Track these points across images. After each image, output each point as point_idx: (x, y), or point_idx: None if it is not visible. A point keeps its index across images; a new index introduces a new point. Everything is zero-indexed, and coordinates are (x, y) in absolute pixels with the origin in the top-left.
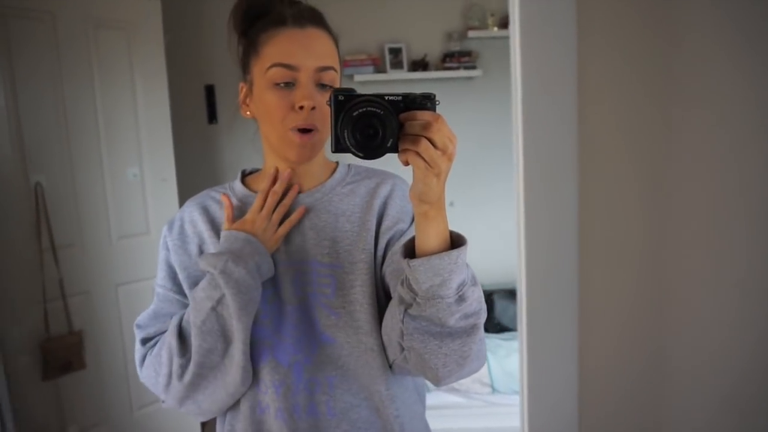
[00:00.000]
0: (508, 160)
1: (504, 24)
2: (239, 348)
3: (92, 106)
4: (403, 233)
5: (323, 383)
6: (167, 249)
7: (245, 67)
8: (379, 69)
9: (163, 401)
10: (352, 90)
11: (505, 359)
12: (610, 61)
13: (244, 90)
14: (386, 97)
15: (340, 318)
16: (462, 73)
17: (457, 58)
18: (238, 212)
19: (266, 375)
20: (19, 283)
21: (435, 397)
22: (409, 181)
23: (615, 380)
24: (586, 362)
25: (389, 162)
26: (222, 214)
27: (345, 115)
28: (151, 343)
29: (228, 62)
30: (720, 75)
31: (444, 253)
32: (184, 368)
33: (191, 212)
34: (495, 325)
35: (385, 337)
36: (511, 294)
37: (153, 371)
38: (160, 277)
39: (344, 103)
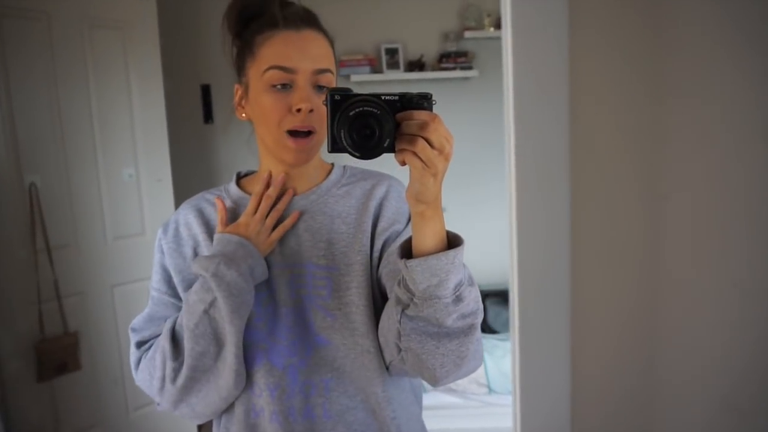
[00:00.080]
0: (504, 160)
1: (500, 24)
2: (232, 351)
3: (87, 106)
4: (399, 234)
5: (319, 386)
6: (162, 252)
7: (240, 69)
8: (376, 69)
9: (158, 404)
10: (348, 89)
11: (502, 360)
12: (603, 60)
13: (240, 92)
14: (383, 97)
15: (336, 320)
16: (458, 73)
17: (453, 58)
18: (233, 214)
19: (261, 378)
20: (13, 284)
21: (432, 398)
22: (406, 181)
23: (608, 381)
24: (579, 364)
25: (386, 162)
26: (217, 217)
27: (341, 115)
28: (146, 346)
29: (224, 62)
30: (714, 74)
31: (441, 253)
32: (177, 371)
33: (186, 215)
34: (487, 327)
35: (381, 339)
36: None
37: (148, 374)
38: (155, 280)
39: (341, 102)
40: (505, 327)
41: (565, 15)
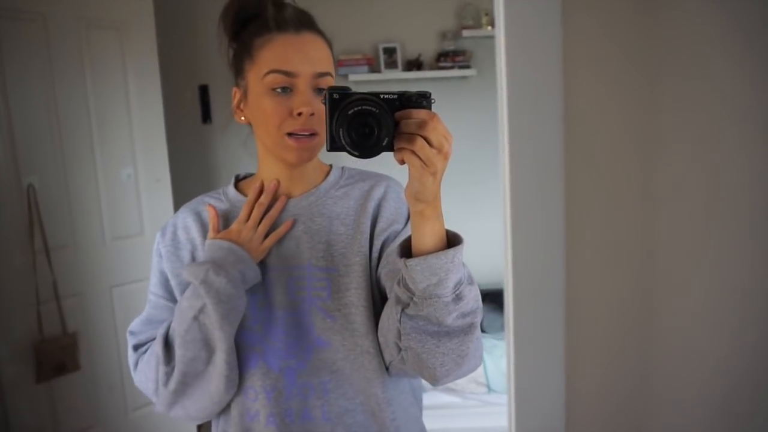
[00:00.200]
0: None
1: None
2: (222, 357)
3: (85, 107)
4: (397, 234)
5: (317, 388)
6: (160, 255)
7: (238, 71)
8: (374, 69)
9: (155, 405)
10: (347, 88)
11: (501, 359)
12: (597, 61)
13: (238, 95)
14: (381, 96)
15: (335, 321)
16: (456, 72)
17: (451, 57)
18: (231, 218)
19: (257, 381)
20: (12, 285)
21: (431, 397)
22: (404, 181)
23: (603, 383)
24: (573, 365)
25: (385, 161)
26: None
27: (340, 114)
28: (143, 349)
29: (221, 63)
30: (711, 71)
31: (440, 252)
32: (169, 376)
33: (185, 218)
34: (481, 329)
35: (381, 339)
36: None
37: (144, 377)
38: (153, 284)
39: (339, 101)
40: (499, 332)
41: (558, 15)
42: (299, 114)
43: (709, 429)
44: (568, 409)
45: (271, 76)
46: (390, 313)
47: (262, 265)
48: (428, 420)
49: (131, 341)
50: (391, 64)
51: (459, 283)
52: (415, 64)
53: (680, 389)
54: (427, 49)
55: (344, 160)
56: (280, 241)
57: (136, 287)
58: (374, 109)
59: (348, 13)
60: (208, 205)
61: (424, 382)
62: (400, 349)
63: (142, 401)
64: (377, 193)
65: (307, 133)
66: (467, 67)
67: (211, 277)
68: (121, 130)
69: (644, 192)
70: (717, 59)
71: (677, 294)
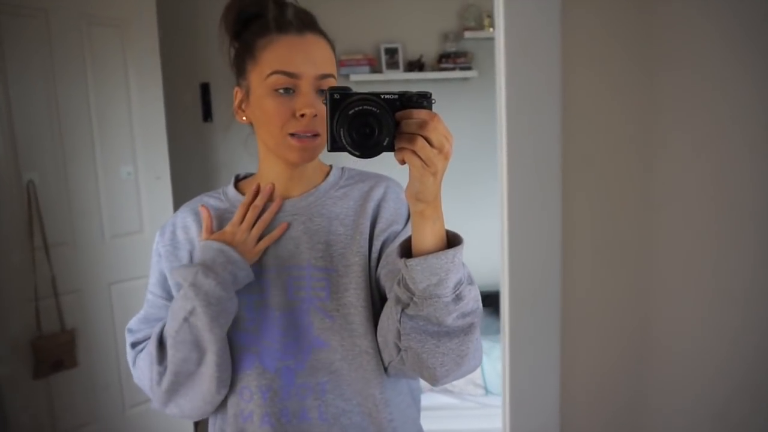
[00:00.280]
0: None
1: None
2: (212, 359)
3: (85, 104)
4: (397, 235)
5: (315, 389)
6: (159, 255)
7: (240, 71)
8: (375, 69)
9: (152, 402)
10: (347, 88)
11: (499, 361)
12: (595, 64)
13: (240, 95)
14: (382, 96)
15: (334, 321)
16: (458, 73)
17: (453, 58)
18: (230, 218)
19: (252, 381)
20: (11, 281)
21: (428, 399)
22: (404, 181)
23: (598, 386)
24: (568, 368)
25: (385, 161)
26: (216, 219)
27: (341, 114)
28: (140, 347)
29: (223, 61)
30: (711, 74)
31: (441, 252)
32: (161, 375)
33: (184, 218)
34: None
35: (381, 339)
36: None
37: (141, 374)
38: (151, 283)
39: (340, 101)
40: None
41: (557, 17)
42: (302, 115)
43: (704, 429)
44: (563, 413)
45: (273, 77)
46: (390, 313)
47: (261, 265)
48: (425, 421)
49: (129, 339)
50: (393, 65)
51: (459, 283)
52: (416, 65)
53: (675, 393)
54: (429, 50)
55: (345, 160)
56: (279, 241)
57: (135, 284)
58: (375, 109)
59: (350, 13)
60: (201, 205)
61: (421, 383)
62: (399, 350)
63: (139, 399)
64: (377, 193)
65: (309, 134)
66: (468, 68)
67: (200, 280)
68: (122, 127)
69: (642, 195)
70: (717, 62)
71: (674, 298)
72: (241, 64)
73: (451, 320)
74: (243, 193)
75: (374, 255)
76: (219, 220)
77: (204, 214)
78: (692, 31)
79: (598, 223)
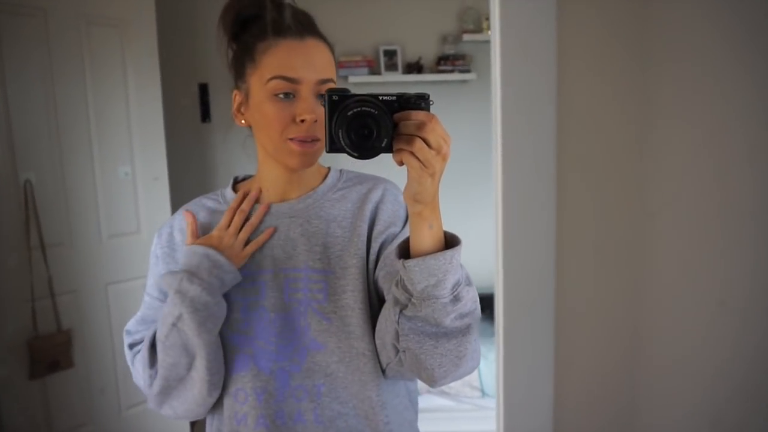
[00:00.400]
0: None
1: None
2: (203, 363)
3: (84, 104)
4: (395, 236)
5: (311, 391)
6: (156, 257)
7: (239, 74)
8: (374, 71)
9: (148, 403)
10: (346, 90)
11: (496, 363)
12: (591, 65)
13: (239, 99)
14: (380, 97)
15: (332, 323)
16: (456, 76)
17: (451, 61)
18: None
19: (247, 383)
20: (7, 281)
21: (425, 401)
22: (402, 183)
23: (591, 390)
24: (562, 371)
25: (384, 162)
26: (214, 222)
27: (339, 115)
28: (137, 348)
29: (221, 62)
30: (708, 75)
31: (439, 253)
32: (153, 378)
33: (182, 220)
34: None
35: (378, 341)
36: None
37: (138, 375)
38: (149, 285)
39: (338, 103)
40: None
41: (553, 21)
42: (302, 121)
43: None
44: (557, 416)
45: (274, 82)
46: (388, 314)
47: (257, 266)
48: (422, 423)
49: (127, 340)
50: (392, 67)
51: (457, 284)
52: (415, 67)
53: (668, 397)
54: (428, 52)
55: (343, 161)
56: (276, 243)
57: (132, 285)
58: (373, 111)
59: (349, 14)
60: (185, 211)
61: (418, 384)
62: (397, 351)
63: (136, 400)
64: (375, 195)
65: (309, 139)
66: (467, 71)
67: (185, 286)
68: (120, 127)
69: (637, 197)
70: (714, 65)
71: (669, 301)
72: (240, 67)
73: (449, 321)
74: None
75: (372, 257)
76: (217, 223)
77: (188, 219)
78: (688, 35)
79: (592, 225)
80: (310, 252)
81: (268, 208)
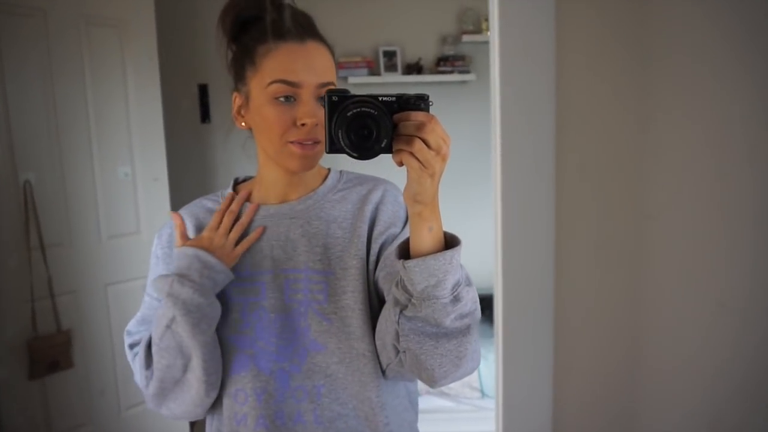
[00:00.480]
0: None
1: None
2: (199, 364)
3: (83, 104)
4: (395, 237)
5: (311, 392)
6: (156, 257)
7: (239, 77)
8: (374, 71)
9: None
10: (346, 91)
11: (495, 364)
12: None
13: (239, 101)
14: (380, 98)
15: (332, 324)
16: (456, 77)
17: (451, 62)
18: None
19: (247, 384)
20: (7, 282)
21: (425, 401)
22: (402, 183)
23: (590, 392)
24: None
25: (383, 163)
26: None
27: (339, 116)
28: (137, 349)
29: (221, 63)
30: (708, 76)
31: (438, 253)
32: (148, 380)
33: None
34: None
35: (379, 342)
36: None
37: (137, 375)
38: (149, 285)
39: (338, 103)
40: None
41: (552, 22)
42: (303, 124)
43: None
44: (556, 418)
45: (274, 86)
46: (388, 315)
47: (257, 267)
48: (422, 424)
49: (127, 340)
50: (391, 68)
51: (457, 285)
52: (414, 68)
53: (668, 399)
54: (427, 53)
55: (343, 162)
56: (277, 244)
57: (131, 286)
58: (373, 111)
59: (349, 15)
60: (172, 212)
61: (418, 385)
62: (398, 351)
63: (135, 400)
64: (375, 196)
65: (309, 142)
66: (467, 72)
67: (176, 289)
68: (120, 128)
69: (636, 200)
70: (710, 80)
71: (668, 302)
72: (240, 70)
73: (449, 321)
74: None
75: (372, 258)
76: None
77: (177, 220)
78: (687, 35)
79: (592, 226)
80: (310, 253)
81: (258, 207)
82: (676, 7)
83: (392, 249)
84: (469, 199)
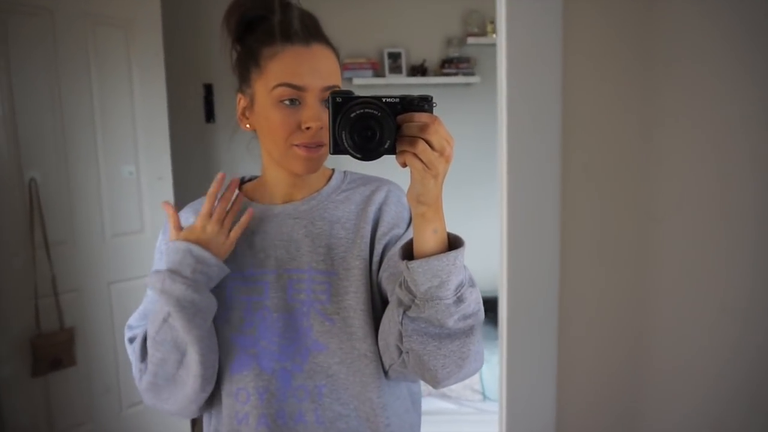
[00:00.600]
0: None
1: None
2: (195, 359)
3: (89, 103)
4: (399, 238)
5: (312, 392)
6: (161, 252)
7: (244, 78)
8: (378, 73)
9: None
10: (349, 92)
11: (497, 367)
12: (596, 69)
13: (243, 103)
14: (384, 99)
15: (334, 324)
16: (460, 79)
17: (455, 64)
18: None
19: (249, 383)
20: (11, 279)
21: (426, 403)
22: (405, 184)
23: (593, 394)
24: (565, 375)
25: (387, 164)
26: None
27: (343, 117)
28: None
29: (225, 62)
30: (716, 81)
31: (442, 254)
32: (142, 373)
33: (187, 218)
34: None
35: (382, 342)
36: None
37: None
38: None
39: (342, 105)
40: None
41: (559, 24)
42: (307, 128)
43: None
44: (559, 421)
45: (279, 90)
46: (391, 315)
47: (261, 267)
48: (423, 426)
49: (128, 334)
50: (396, 69)
51: (460, 286)
52: (419, 70)
53: (672, 403)
54: (432, 55)
55: (347, 163)
56: (281, 243)
57: (135, 284)
58: (376, 113)
59: (354, 16)
60: (163, 202)
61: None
62: (401, 352)
63: (137, 399)
64: (378, 197)
65: (314, 145)
66: (471, 74)
67: (168, 286)
68: (125, 127)
69: (642, 203)
70: (717, 84)
71: (673, 306)
72: (244, 72)
73: (452, 322)
74: (246, 197)
75: (376, 258)
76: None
77: (169, 211)
78: (694, 38)
79: (597, 229)
80: (313, 253)
81: (240, 191)
82: (681, 10)
83: (396, 250)
84: (473, 201)
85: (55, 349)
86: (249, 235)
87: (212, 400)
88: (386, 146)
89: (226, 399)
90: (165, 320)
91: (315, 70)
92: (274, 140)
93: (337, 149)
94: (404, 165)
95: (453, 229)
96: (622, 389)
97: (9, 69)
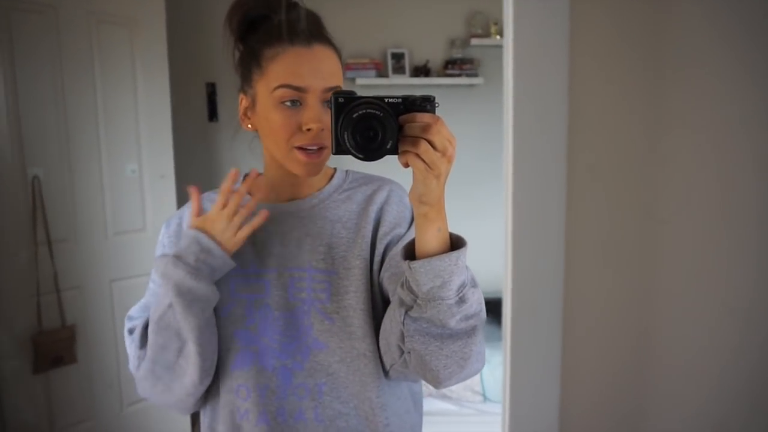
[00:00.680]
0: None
1: None
2: (193, 349)
3: (92, 101)
4: (400, 238)
5: (312, 390)
6: (163, 245)
7: (246, 79)
8: (381, 73)
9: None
10: (352, 92)
11: (498, 368)
12: (603, 71)
13: (245, 103)
14: (386, 100)
15: (334, 323)
16: (464, 80)
17: (459, 65)
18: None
19: (250, 379)
20: (13, 276)
21: (426, 404)
22: (407, 185)
23: (597, 395)
24: (568, 377)
25: (389, 164)
26: None
27: (345, 117)
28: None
29: (227, 61)
30: (723, 83)
31: (444, 254)
32: (140, 360)
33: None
34: None
35: (383, 342)
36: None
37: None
38: (153, 272)
39: (344, 105)
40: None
41: (566, 25)
42: (309, 129)
43: None
44: (563, 422)
45: (280, 91)
46: (393, 315)
47: (262, 265)
48: (423, 427)
49: (127, 325)
50: (399, 70)
51: (462, 286)
52: (422, 71)
53: (676, 404)
54: (435, 56)
55: (349, 162)
56: (282, 242)
57: (136, 282)
58: (378, 113)
59: (357, 16)
60: (190, 186)
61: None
62: (402, 352)
63: (138, 396)
64: (380, 197)
65: (315, 147)
66: (474, 75)
67: (169, 271)
68: (128, 125)
69: (647, 206)
70: (724, 84)
71: (677, 308)
72: (246, 72)
73: (454, 323)
74: (250, 193)
75: (377, 258)
76: None
77: (193, 195)
78: (702, 41)
79: (602, 231)
80: (314, 252)
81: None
82: (689, 12)
83: (397, 250)
84: (475, 201)
85: (56, 346)
86: (252, 233)
87: (210, 395)
88: (388, 146)
89: (225, 395)
90: (170, 305)
91: (316, 71)
92: (275, 141)
93: (340, 149)
94: (406, 165)
95: (455, 229)
96: (627, 390)
97: (13, 66)
